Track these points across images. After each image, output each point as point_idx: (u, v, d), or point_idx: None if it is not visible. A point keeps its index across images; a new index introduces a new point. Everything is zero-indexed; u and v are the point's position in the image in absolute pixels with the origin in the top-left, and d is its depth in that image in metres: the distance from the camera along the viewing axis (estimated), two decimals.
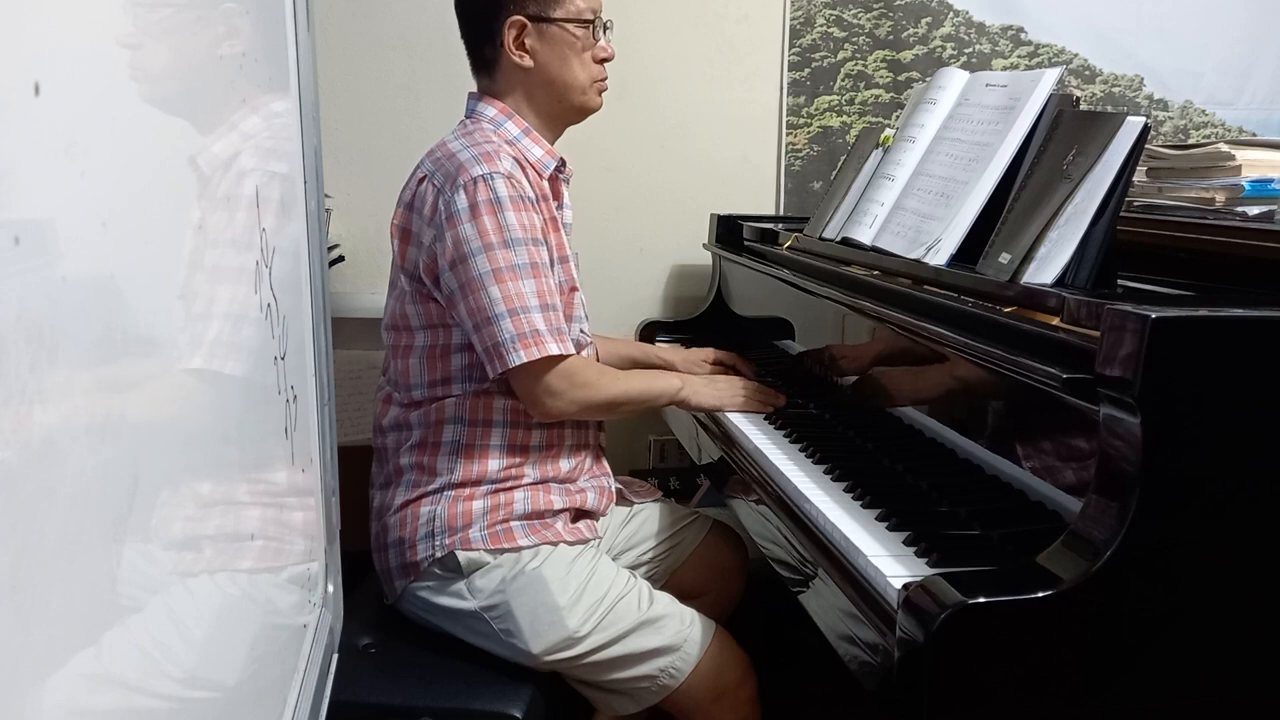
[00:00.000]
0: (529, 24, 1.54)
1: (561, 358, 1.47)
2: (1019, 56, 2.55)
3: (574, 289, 1.62)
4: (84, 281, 0.53)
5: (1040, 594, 0.90)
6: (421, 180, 1.51)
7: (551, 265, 1.53)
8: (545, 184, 1.58)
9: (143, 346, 0.64)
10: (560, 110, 1.61)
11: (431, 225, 1.47)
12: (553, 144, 1.62)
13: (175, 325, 0.71)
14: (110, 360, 0.57)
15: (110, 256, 0.57)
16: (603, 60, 1.61)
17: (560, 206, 1.63)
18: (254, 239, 0.89)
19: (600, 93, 1.63)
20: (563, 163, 1.62)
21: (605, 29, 1.61)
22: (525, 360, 1.43)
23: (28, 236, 0.45)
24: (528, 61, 1.56)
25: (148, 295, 0.65)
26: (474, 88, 1.64)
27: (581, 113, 1.63)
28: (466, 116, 1.62)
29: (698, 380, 1.72)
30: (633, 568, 1.67)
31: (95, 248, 0.55)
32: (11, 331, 0.43)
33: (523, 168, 1.52)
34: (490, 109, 1.59)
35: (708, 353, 1.92)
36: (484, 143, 1.50)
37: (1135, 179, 1.50)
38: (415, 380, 1.54)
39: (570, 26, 1.56)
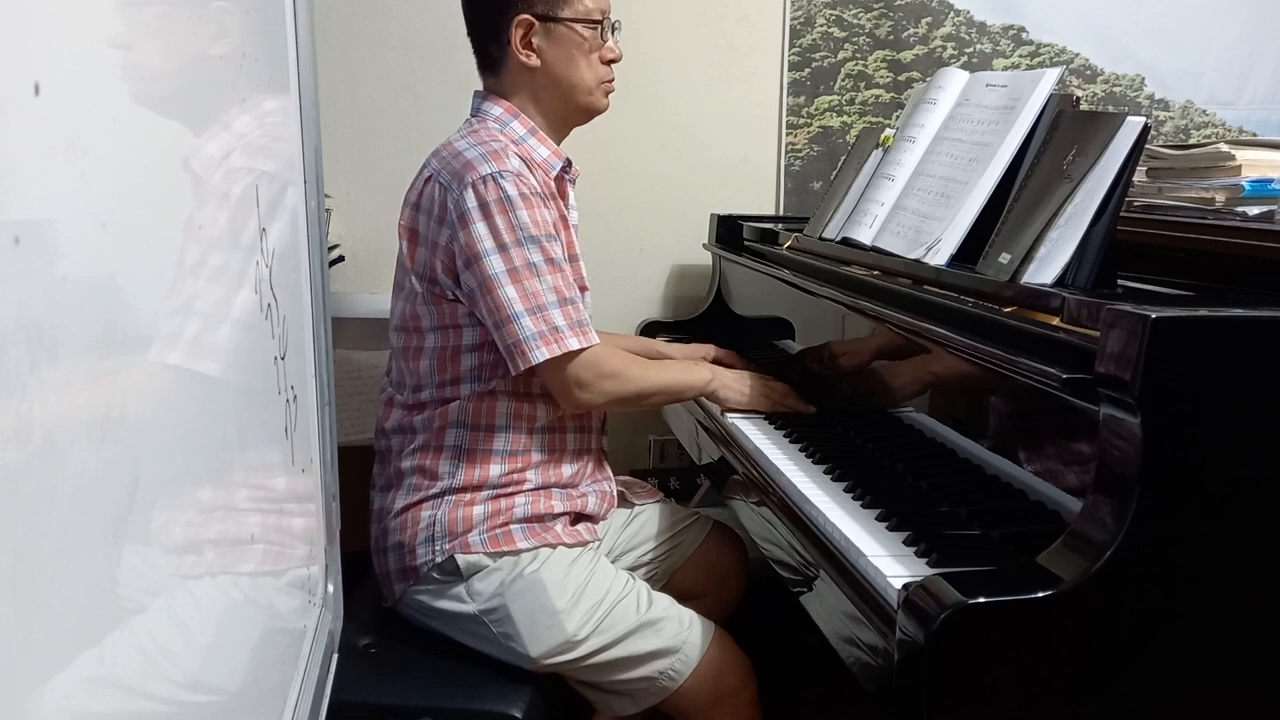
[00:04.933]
0: (537, 23, 1.53)
1: (584, 350, 1.47)
2: (1020, 56, 2.55)
3: (584, 288, 1.61)
4: (84, 281, 0.53)
5: (1040, 594, 0.90)
6: (428, 180, 1.51)
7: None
8: (552, 184, 1.57)
9: (142, 346, 0.64)
10: (566, 111, 1.60)
11: (445, 225, 1.46)
12: (559, 144, 1.61)
13: (175, 325, 0.71)
14: (110, 360, 0.57)
15: (110, 256, 0.57)
16: (610, 61, 1.60)
17: (568, 207, 1.62)
18: (254, 239, 0.88)
19: (607, 94, 1.62)
20: (569, 163, 1.61)
21: (613, 30, 1.60)
22: (548, 357, 1.44)
23: (28, 236, 0.45)
24: (534, 61, 1.55)
25: (147, 295, 0.65)
26: (476, 87, 1.63)
27: (588, 113, 1.62)
28: (472, 115, 1.61)
29: (728, 375, 1.70)
30: (633, 569, 1.67)
31: (95, 248, 0.55)
32: (11, 331, 0.43)
33: (530, 167, 1.51)
34: (496, 108, 1.58)
35: (708, 349, 1.90)
36: (490, 141, 1.49)
37: (1135, 179, 1.50)
38: (425, 381, 1.54)
39: (578, 27, 1.55)
